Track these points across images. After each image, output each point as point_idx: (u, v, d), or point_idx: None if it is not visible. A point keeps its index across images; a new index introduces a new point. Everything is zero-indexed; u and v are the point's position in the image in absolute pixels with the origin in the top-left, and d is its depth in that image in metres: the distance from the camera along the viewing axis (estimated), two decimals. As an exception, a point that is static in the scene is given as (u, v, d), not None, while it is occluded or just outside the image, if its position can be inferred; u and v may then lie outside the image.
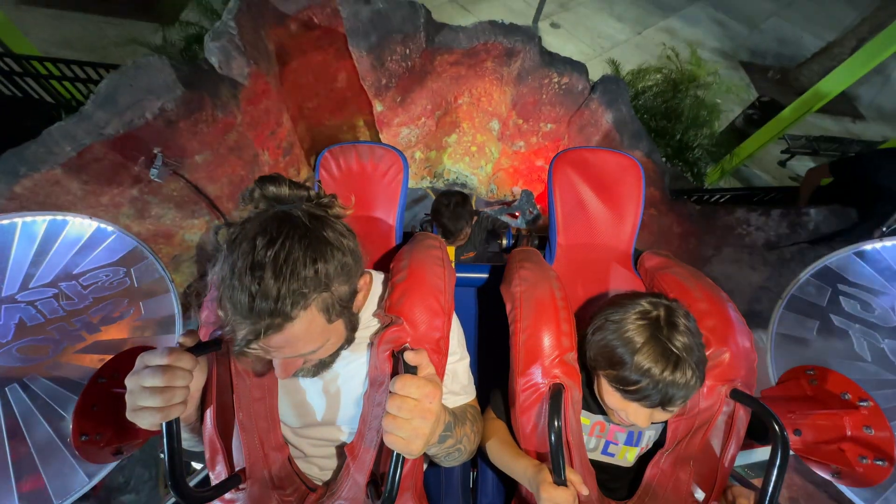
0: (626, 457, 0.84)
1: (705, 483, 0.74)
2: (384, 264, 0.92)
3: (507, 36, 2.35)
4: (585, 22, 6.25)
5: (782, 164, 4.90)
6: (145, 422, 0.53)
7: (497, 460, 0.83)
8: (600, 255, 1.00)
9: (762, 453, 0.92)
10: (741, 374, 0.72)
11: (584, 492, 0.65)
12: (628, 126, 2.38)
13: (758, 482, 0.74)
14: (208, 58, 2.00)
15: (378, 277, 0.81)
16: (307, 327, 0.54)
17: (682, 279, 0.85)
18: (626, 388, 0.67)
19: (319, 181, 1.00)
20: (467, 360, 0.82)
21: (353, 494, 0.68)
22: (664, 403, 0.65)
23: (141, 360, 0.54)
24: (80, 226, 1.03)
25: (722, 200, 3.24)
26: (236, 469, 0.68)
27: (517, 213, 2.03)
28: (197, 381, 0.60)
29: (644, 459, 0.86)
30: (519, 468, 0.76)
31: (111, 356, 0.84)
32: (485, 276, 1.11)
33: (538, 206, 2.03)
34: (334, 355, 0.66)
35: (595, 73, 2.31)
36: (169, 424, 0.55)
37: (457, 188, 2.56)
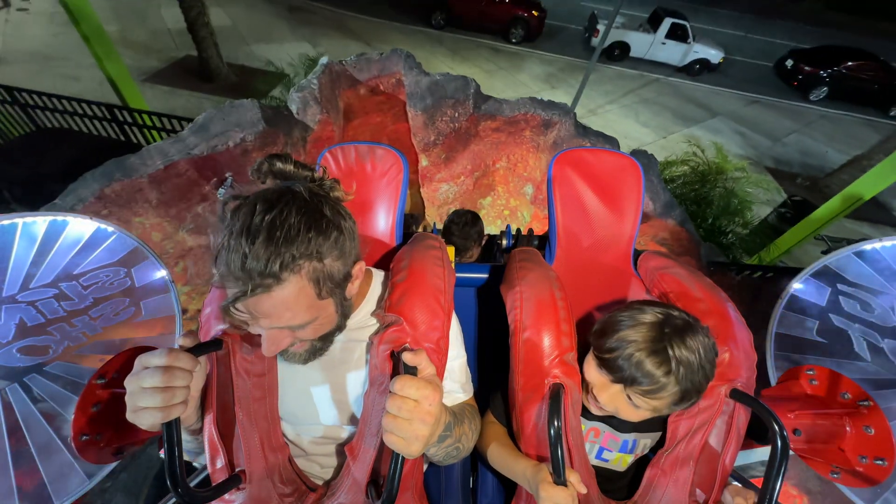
0: (620, 463, 0.84)
1: (705, 483, 0.74)
2: (384, 264, 0.92)
3: (545, 109, 2.65)
4: (613, 126, 6.69)
5: (821, 263, 5.02)
6: (146, 422, 0.53)
7: (496, 464, 0.83)
8: (600, 255, 1.00)
9: (762, 453, 0.92)
10: (741, 374, 0.72)
11: (583, 490, 0.65)
12: (660, 195, 2.52)
13: (758, 482, 0.74)
14: (289, 105, 2.44)
15: (378, 277, 0.81)
16: (296, 295, 0.54)
17: (682, 279, 0.85)
18: (602, 354, 0.68)
19: None
20: (464, 357, 0.82)
21: (353, 494, 0.68)
22: (626, 381, 0.66)
23: (140, 362, 0.54)
24: (80, 226, 1.03)
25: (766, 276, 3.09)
26: (236, 469, 0.68)
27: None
28: (197, 382, 0.60)
29: (640, 464, 0.86)
30: (518, 469, 0.76)
31: (111, 356, 0.84)
32: (485, 276, 1.11)
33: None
34: (326, 341, 0.66)
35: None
36: (169, 425, 0.54)
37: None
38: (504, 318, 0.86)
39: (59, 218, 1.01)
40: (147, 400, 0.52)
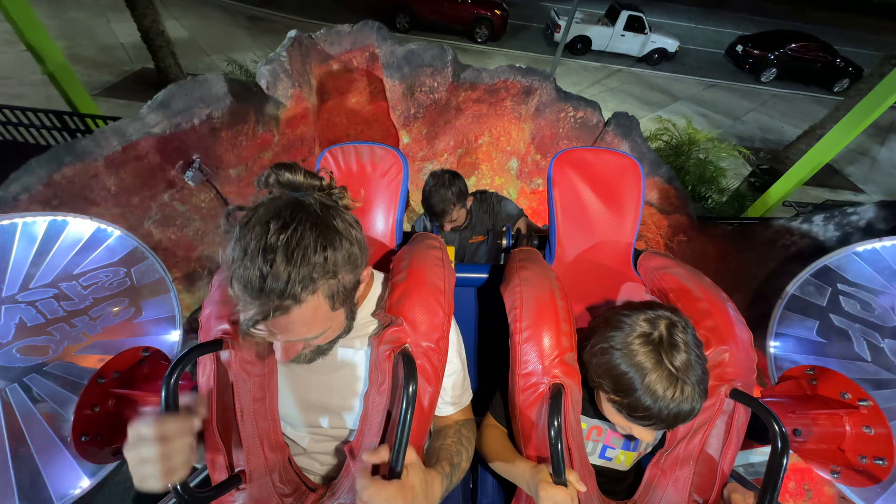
0: (624, 461, 0.84)
1: (705, 483, 0.74)
2: (384, 264, 0.92)
3: (525, 76, 2.58)
4: (583, 114, 7.25)
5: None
6: (156, 487, 0.53)
7: (496, 466, 0.83)
8: (600, 254, 1.00)
9: (762, 453, 0.92)
10: (741, 374, 0.72)
11: (582, 488, 0.65)
12: (646, 155, 2.48)
13: (758, 482, 0.74)
14: (258, 80, 2.24)
15: (378, 277, 0.81)
16: (313, 312, 0.55)
17: (683, 279, 0.85)
18: (633, 415, 0.66)
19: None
20: (464, 369, 0.83)
21: (353, 494, 0.68)
22: (671, 425, 0.66)
23: (133, 432, 0.53)
24: (80, 226, 1.03)
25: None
26: (236, 469, 0.68)
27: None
28: (197, 425, 0.60)
29: (641, 463, 0.86)
30: (517, 472, 0.76)
31: (111, 356, 0.84)
32: (485, 276, 1.11)
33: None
34: (332, 343, 0.67)
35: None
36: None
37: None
38: (504, 318, 0.86)
39: (59, 218, 1.01)
40: (150, 469, 0.52)
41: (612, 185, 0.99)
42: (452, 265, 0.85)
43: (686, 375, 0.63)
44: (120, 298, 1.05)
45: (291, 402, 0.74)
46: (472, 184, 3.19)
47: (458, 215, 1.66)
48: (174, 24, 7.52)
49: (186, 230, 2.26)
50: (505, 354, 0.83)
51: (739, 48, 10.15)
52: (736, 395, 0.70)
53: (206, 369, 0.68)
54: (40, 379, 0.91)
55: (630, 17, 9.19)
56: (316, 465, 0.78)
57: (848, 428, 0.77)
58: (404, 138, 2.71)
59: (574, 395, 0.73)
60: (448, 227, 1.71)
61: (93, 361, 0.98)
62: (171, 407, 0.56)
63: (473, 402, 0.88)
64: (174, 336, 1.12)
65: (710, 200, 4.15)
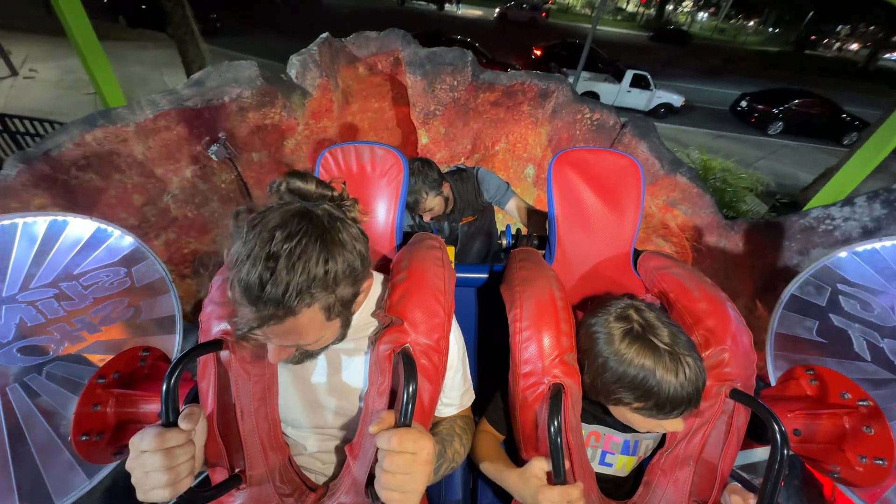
0: (624, 466, 0.84)
1: (705, 483, 0.74)
2: (384, 264, 0.92)
3: (541, 80, 2.63)
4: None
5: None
6: (161, 499, 0.53)
7: (489, 475, 0.83)
8: (600, 255, 1.00)
9: (762, 453, 0.92)
10: (741, 374, 0.72)
11: (580, 487, 0.66)
12: (665, 155, 2.45)
13: (758, 482, 0.74)
14: (288, 70, 2.36)
15: (378, 278, 0.81)
16: (307, 323, 0.56)
17: (683, 279, 0.85)
18: (664, 411, 0.67)
19: None
20: (465, 368, 0.83)
21: (353, 494, 0.68)
22: (696, 402, 0.67)
23: (135, 446, 0.54)
24: (80, 226, 1.03)
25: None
26: (236, 469, 0.68)
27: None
28: (199, 439, 0.61)
29: (641, 468, 0.86)
30: (509, 483, 0.75)
31: (111, 356, 0.84)
32: (485, 276, 1.11)
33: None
34: (323, 349, 0.68)
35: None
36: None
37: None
38: (504, 318, 0.86)
39: (60, 218, 1.01)
40: (154, 482, 0.53)
41: (613, 185, 0.99)
42: (452, 265, 0.85)
43: (679, 348, 0.66)
44: (120, 298, 1.05)
45: (291, 402, 0.74)
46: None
47: (433, 204, 1.55)
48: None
49: (203, 209, 2.30)
50: (505, 354, 0.83)
51: (744, 104, 10.52)
52: (736, 395, 0.70)
53: (206, 369, 0.68)
54: (40, 379, 0.91)
55: (635, 75, 9.76)
56: (316, 464, 0.78)
57: (848, 428, 0.77)
58: (423, 138, 2.76)
59: (574, 394, 0.73)
60: (427, 217, 1.60)
61: (93, 361, 0.98)
62: (172, 407, 0.56)
63: (473, 402, 0.88)
64: (174, 336, 1.12)
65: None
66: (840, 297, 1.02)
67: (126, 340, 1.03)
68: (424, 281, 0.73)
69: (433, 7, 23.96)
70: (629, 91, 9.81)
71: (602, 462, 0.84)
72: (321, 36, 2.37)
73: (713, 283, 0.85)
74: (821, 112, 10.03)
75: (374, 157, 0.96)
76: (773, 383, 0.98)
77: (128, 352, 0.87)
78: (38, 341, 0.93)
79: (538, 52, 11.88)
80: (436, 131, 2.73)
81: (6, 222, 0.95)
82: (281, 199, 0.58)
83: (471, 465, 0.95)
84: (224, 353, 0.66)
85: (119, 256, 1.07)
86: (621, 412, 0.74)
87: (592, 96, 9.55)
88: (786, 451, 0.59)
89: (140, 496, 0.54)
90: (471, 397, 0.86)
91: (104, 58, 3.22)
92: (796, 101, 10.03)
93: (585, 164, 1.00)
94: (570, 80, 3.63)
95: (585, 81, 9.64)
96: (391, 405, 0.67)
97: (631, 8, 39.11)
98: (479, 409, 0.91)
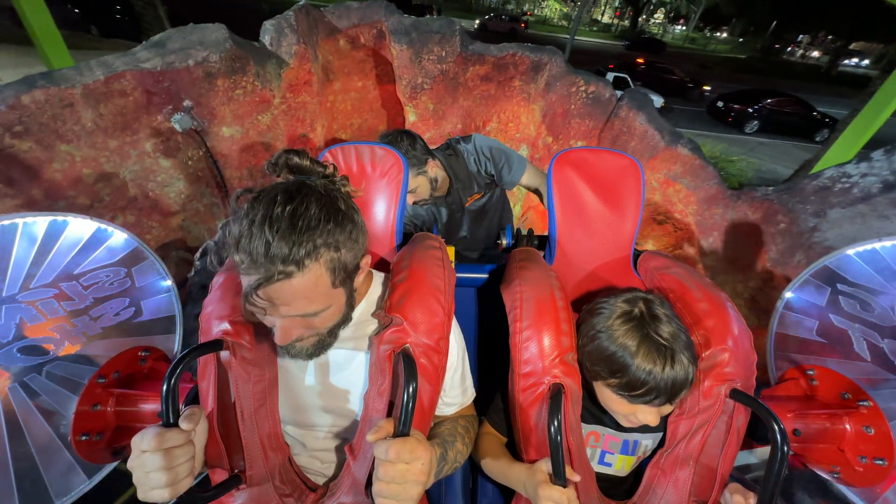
0: (623, 466, 0.84)
1: (705, 483, 0.74)
2: (384, 265, 0.92)
3: (533, 52, 2.49)
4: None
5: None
6: (161, 499, 0.54)
7: (493, 474, 0.84)
8: (600, 255, 1.00)
9: (762, 453, 0.92)
10: (741, 374, 0.72)
11: (577, 478, 0.67)
12: (664, 126, 2.34)
13: (758, 482, 0.74)
14: (262, 37, 2.10)
15: (378, 278, 0.81)
16: (314, 283, 0.57)
17: (682, 279, 0.85)
18: (633, 392, 0.68)
19: None
20: (465, 365, 0.83)
21: (353, 494, 0.68)
22: (671, 397, 0.67)
23: (135, 446, 0.54)
24: (80, 226, 1.03)
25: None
26: (236, 469, 0.68)
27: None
28: (199, 440, 0.61)
29: (640, 467, 0.86)
30: (513, 475, 0.76)
31: (111, 356, 0.84)
32: (485, 276, 1.11)
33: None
34: (332, 335, 0.67)
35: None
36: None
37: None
38: (504, 318, 0.86)
39: (60, 218, 1.01)
40: (154, 482, 0.53)
41: (612, 185, 1.00)
42: (452, 265, 0.85)
43: (673, 344, 0.66)
44: (120, 298, 1.05)
45: (292, 403, 0.74)
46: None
47: (415, 184, 1.30)
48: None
49: (167, 190, 2.02)
50: (505, 354, 0.83)
51: (720, 104, 10.93)
52: (736, 395, 0.70)
53: (206, 369, 0.68)
54: (40, 378, 0.91)
55: (616, 77, 10.46)
56: (316, 464, 0.78)
57: (848, 428, 0.77)
58: (410, 116, 2.56)
59: (574, 394, 0.73)
60: (409, 200, 1.33)
61: (93, 361, 0.98)
62: (172, 408, 0.56)
63: (474, 402, 0.88)
64: (174, 336, 1.12)
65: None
66: (840, 297, 1.02)
67: (126, 340, 1.03)
68: (425, 281, 0.74)
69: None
70: (611, 92, 10.41)
71: (601, 462, 0.84)
72: (299, 3, 2.13)
73: (713, 283, 0.85)
74: (793, 110, 10.49)
75: (374, 157, 0.96)
76: (773, 383, 0.98)
77: (128, 352, 0.87)
78: (38, 341, 0.93)
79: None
80: (424, 107, 2.54)
81: (6, 222, 0.95)
82: (279, 176, 0.61)
83: (471, 465, 0.95)
84: (224, 354, 0.66)
85: (119, 256, 1.07)
86: (601, 391, 0.75)
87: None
88: (786, 451, 0.59)
89: (140, 496, 0.54)
90: (472, 394, 0.86)
91: (66, 52, 2.93)
92: (769, 100, 10.46)
93: (585, 164, 1.00)
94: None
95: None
96: (391, 405, 0.67)
97: (606, 19, 41.10)
98: (479, 409, 0.91)
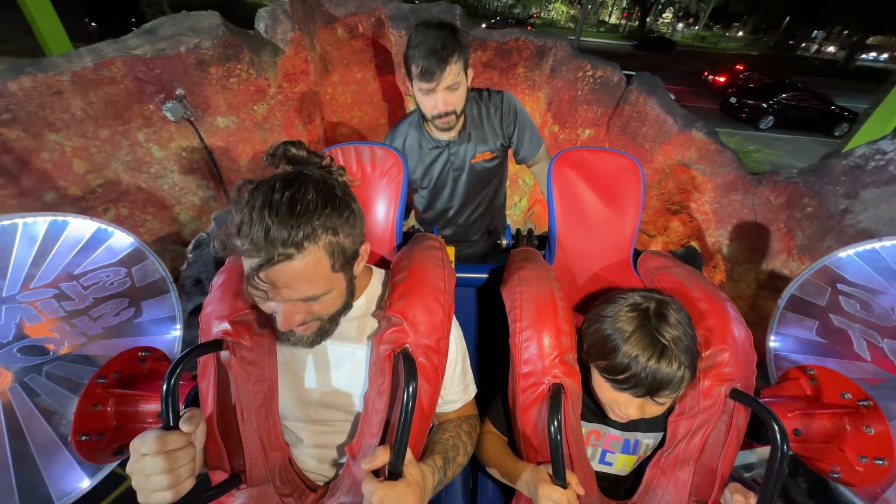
0: (624, 465, 0.84)
1: (705, 483, 0.74)
2: (384, 264, 0.92)
3: (537, 37, 2.39)
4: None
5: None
6: (164, 501, 0.53)
7: (495, 472, 0.84)
8: (600, 255, 1.00)
9: (762, 453, 0.92)
10: (741, 374, 0.72)
11: (582, 492, 0.66)
12: (677, 110, 2.23)
13: (758, 482, 0.74)
14: (256, 24, 2.06)
15: (378, 277, 0.81)
16: (314, 265, 0.57)
17: (682, 279, 0.85)
18: (616, 376, 0.68)
19: None
20: (465, 361, 0.83)
21: (353, 494, 0.68)
22: (652, 392, 0.66)
23: (135, 450, 0.54)
24: (80, 226, 1.03)
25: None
26: (236, 469, 0.68)
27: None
28: (199, 441, 0.61)
29: (641, 467, 0.86)
30: (515, 474, 0.76)
31: (111, 356, 0.84)
32: (485, 276, 1.11)
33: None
34: (333, 323, 0.67)
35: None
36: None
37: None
38: (504, 318, 0.86)
39: (60, 218, 1.01)
40: (155, 485, 0.53)
41: (612, 185, 1.00)
42: (452, 265, 0.85)
43: (670, 343, 0.65)
44: (120, 298, 1.05)
45: (291, 403, 0.74)
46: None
47: (455, 79, 1.09)
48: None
49: (161, 181, 1.97)
50: (505, 354, 0.83)
51: (733, 100, 10.45)
52: (736, 395, 0.70)
53: (206, 369, 0.68)
54: (41, 379, 0.92)
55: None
56: (316, 464, 0.78)
57: (848, 428, 0.77)
58: (412, 106, 2.49)
59: (574, 394, 0.73)
60: (441, 107, 1.12)
61: (93, 361, 0.98)
62: (172, 408, 0.56)
63: (475, 402, 0.88)
64: (174, 336, 1.12)
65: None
66: (840, 297, 1.02)
67: (126, 340, 1.03)
68: (425, 281, 0.74)
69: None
70: (621, 89, 10.11)
71: (602, 461, 0.84)
72: None
73: (713, 283, 0.85)
74: (810, 105, 9.94)
75: (374, 157, 0.96)
76: (773, 383, 0.98)
77: (128, 352, 0.87)
78: (38, 341, 0.93)
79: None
80: (425, 97, 2.56)
81: (6, 222, 0.95)
82: (277, 167, 0.62)
83: (471, 464, 0.95)
84: (224, 354, 0.66)
85: (119, 256, 1.07)
86: (593, 375, 0.75)
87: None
88: (786, 451, 0.59)
89: (141, 499, 0.54)
90: (473, 391, 0.86)
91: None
92: (784, 94, 9.94)
93: (585, 164, 1.00)
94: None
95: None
96: (391, 405, 0.67)
97: (613, 20, 41.06)
98: (480, 409, 0.91)
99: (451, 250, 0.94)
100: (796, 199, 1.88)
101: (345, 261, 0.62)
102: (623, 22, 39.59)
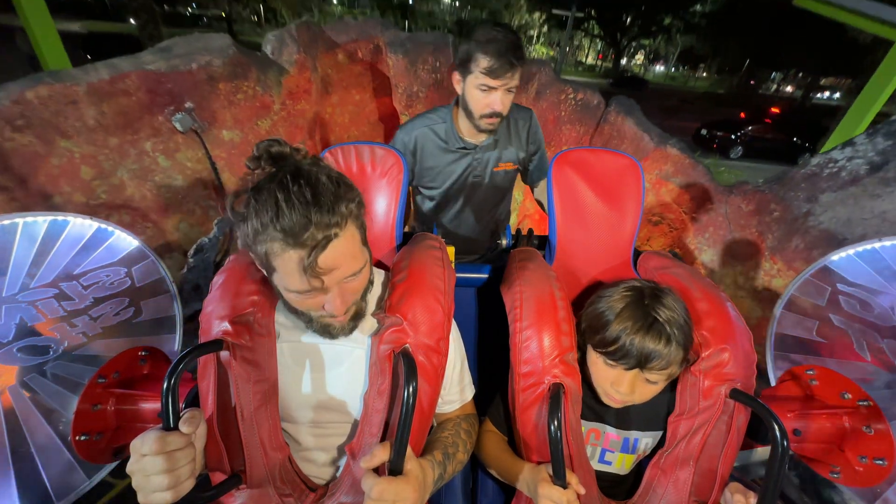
0: (623, 464, 0.84)
1: (705, 483, 0.74)
2: (384, 265, 0.92)
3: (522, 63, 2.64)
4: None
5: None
6: (164, 501, 0.53)
7: (495, 471, 0.84)
8: (600, 255, 1.00)
9: (762, 453, 0.92)
10: (740, 374, 0.72)
11: (582, 491, 0.66)
12: (652, 128, 2.48)
13: (758, 482, 0.74)
14: (264, 47, 2.25)
15: (378, 278, 0.81)
16: (352, 240, 0.61)
17: (682, 279, 0.85)
18: (607, 348, 0.71)
19: None
20: (463, 362, 0.83)
21: (353, 494, 0.68)
22: (642, 363, 0.68)
23: (135, 450, 0.54)
24: (80, 226, 1.03)
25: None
26: (236, 469, 0.68)
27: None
28: (199, 442, 0.61)
29: (641, 466, 0.86)
30: (516, 474, 0.76)
31: (111, 356, 0.84)
32: (485, 276, 1.11)
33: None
34: (364, 299, 0.70)
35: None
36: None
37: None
38: (504, 318, 0.86)
39: (60, 218, 1.01)
40: (155, 485, 0.53)
41: (612, 185, 1.00)
42: (452, 265, 0.85)
43: (663, 320, 0.68)
44: (120, 298, 1.05)
45: (291, 403, 0.74)
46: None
47: (515, 84, 1.15)
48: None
49: (164, 190, 2.06)
50: (505, 354, 0.83)
51: (704, 131, 11.40)
52: (736, 395, 0.70)
53: (206, 370, 0.68)
54: (40, 378, 0.92)
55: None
56: (316, 464, 0.78)
57: (848, 428, 0.77)
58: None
59: (574, 394, 0.73)
60: (501, 102, 1.15)
61: (93, 361, 0.98)
62: (172, 409, 0.56)
63: (475, 402, 0.88)
64: (174, 336, 1.12)
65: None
66: (840, 297, 1.02)
67: (126, 340, 1.03)
68: (424, 281, 0.74)
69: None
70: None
71: (601, 460, 0.84)
72: (301, 19, 2.35)
73: (713, 283, 0.85)
74: (774, 136, 10.93)
75: (374, 157, 0.96)
76: (773, 383, 0.98)
77: (128, 352, 0.87)
78: (38, 341, 0.93)
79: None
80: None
81: (6, 222, 0.95)
82: (262, 168, 0.60)
83: (471, 463, 0.95)
84: (224, 354, 0.66)
85: (119, 256, 1.07)
86: (589, 356, 0.77)
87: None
88: (786, 451, 0.59)
89: (141, 499, 0.54)
90: (471, 391, 0.86)
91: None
92: (749, 127, 10.92)
93: (585, 164, 1.00)
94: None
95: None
96: (391, 404, 0.67)
97: (590, 61, 44.57)
98: (480, 409, 0.91)
99: (451, 250, 0.94)
100: (764, 206, 2.10)
101: (364, 235, 0.66)
102: (599, 63, 42.70)
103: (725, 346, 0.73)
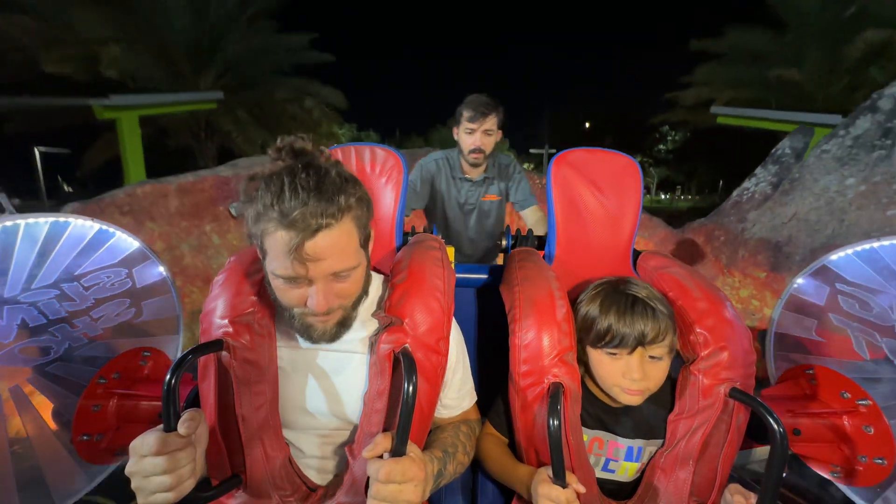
0: (627, 472, 0.83)
1: (705, 483, 0.74)
2: (384, 265, 0.92)
3: None
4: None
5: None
6: (165, 502, 0.53)
7: (495, 475, 0.84)
8: (600, 255, 1.00)
9: (762, 453, 0.92)
10: (740, 374, 0.72)
11: (582, 490, 0.66)
12: None
13: (758, 482, 0.74)
14: None
15: (378, 278, 0.81)
16: (348, 236, 0.61)
17: (682, 279, 0.85)
18: (604, 340, 0.74)
19: None
20: (463, 373, 0.83)
21: (353, 494, 0.68)
22: (640, 341, 0.71)
23: (135, 451, 0.54)
24: (81, 228, 1.04)
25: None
26: (236, 469, 0.68)
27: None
28: (200, 443, 0.61)
29: (644, 472, 0.85)
30: (515, 476, 0.76)
31: (112, 357, 0.85)
32: (485, 276, 1.11)
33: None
34: (354, 308, 0.69)
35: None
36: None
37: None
38: (504, 318, 0.86)
39: (62, 219, 1.01)
40: (155, 486, 0.52)
41: (611, 185, 1.00)
42: (452, 265, 0.85)
43: (643, 297, 0.74)
44: (121, 299, 1.05)
45: (291, 403, 0.74)
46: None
47: (493, 124, 1.60)
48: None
49: (212, 262, 2.69)
50: (505, 354, 0.83)
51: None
52: (735, 394, 0.70)
53: (206, 370, 0.68)
54: (41, 379, 0.92)
55: None
56: (316, 465, 0.78)
57: (847, 427, 0.77)
58: None
59: (574, 394, 0.73)
60: (475, 142, 1.60)
61: (94, 362, 0.98)
62: (173, 409, 0.56)
63: (477, 408, 0.88)
64: (175, 337, 1.13)
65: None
66: (839, 296, 1.02)
67: (127, 341, 1.04)
68: (424, 281, 0.74)
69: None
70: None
71: (605, 468, 0.83)
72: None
73: (712, 283, 0.85)
74: None
75: (375, 157, 0.96)
76: (773, 383, 0.98)
77: (128, 353, 0.87)
78: (39, 342, 0.93)
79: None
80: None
81: (8, 223, 0.95)
82: (282, 158, 0.63)
83: (471, 465, 0.95)
84: (225, 354, 0.66)
85: (120, 257, 1.07)
86: (590, 357, 0.79)
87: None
88: (786, 451, 0.59)
89: (141, 500, 0.53)
90: (472, 399, 0.86)
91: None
92: None
93: (584, 164, 1.01)
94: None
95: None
96: (391, 405, 0.67)
97: None
98: (480, 409, 0.91)
99: (450, 250, 0.95)
100: (711, 233, 2.85)
101: (365, 238, 0.66)
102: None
103: (725, 345, 0.73)
